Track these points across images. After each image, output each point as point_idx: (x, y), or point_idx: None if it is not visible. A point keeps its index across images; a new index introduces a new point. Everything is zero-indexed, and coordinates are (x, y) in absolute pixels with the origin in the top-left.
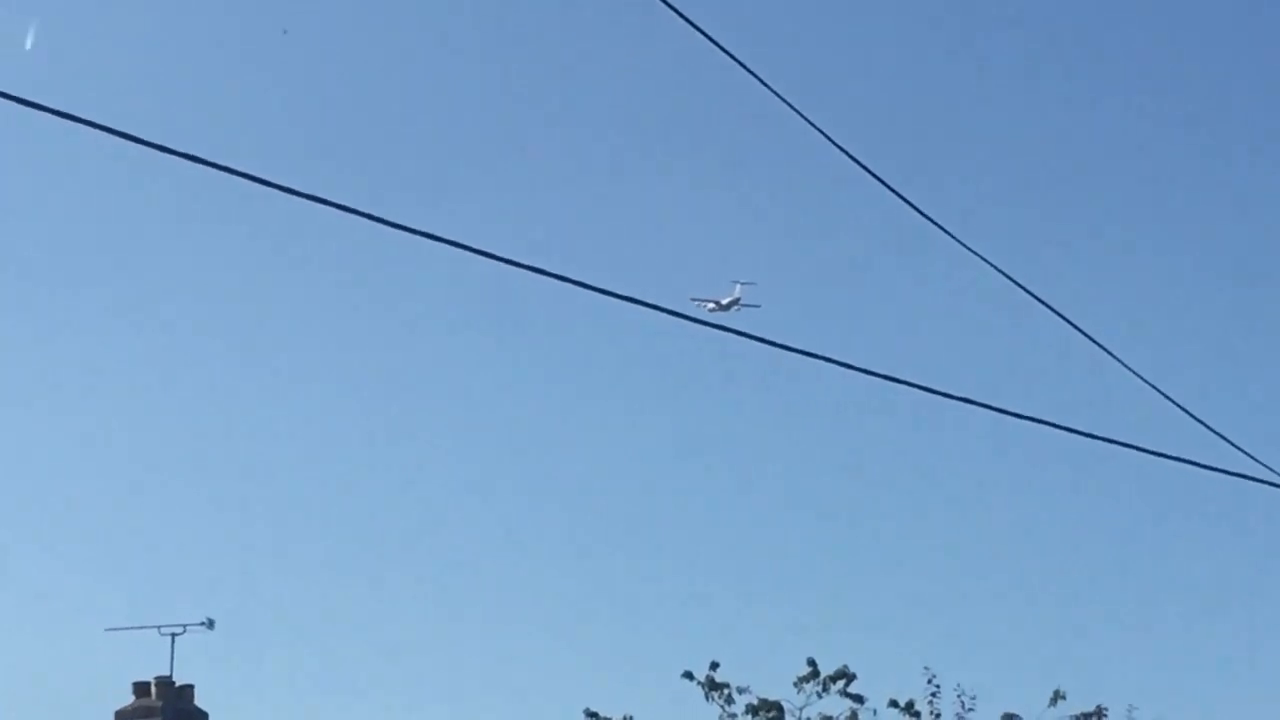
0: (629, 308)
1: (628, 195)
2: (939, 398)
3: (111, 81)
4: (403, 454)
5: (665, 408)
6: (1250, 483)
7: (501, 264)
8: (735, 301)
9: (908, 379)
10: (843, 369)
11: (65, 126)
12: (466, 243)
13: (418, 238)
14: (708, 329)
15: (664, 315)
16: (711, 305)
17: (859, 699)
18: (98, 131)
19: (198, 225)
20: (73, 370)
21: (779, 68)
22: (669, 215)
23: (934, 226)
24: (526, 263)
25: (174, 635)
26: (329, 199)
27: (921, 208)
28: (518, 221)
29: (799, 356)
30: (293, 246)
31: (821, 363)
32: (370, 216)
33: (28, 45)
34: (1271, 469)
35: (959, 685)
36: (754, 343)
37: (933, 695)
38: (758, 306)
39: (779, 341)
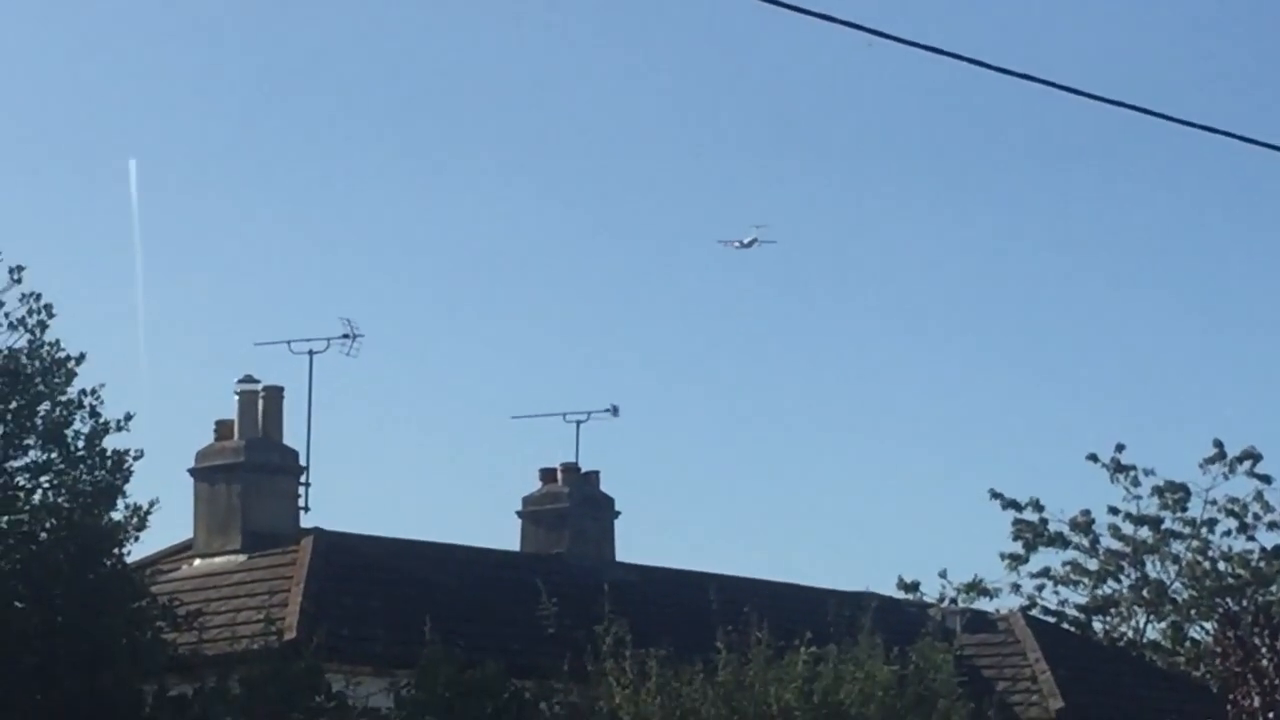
0: None
1: None
2: None
3: None
4: None
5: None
6: None
7: None
8: (754, 240)
9: None
10: None
11: None
12: None
13: None
14: None
15: None
16: (736, 244)
17: (1265, 479)
18: None
19: None
20: None
21: None
22: None
23: None
24: None
25: (579, 422)
26: None
27: None
28: None
29: None
30: None
31: None
32: None
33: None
34: None
35: None
36: None
37: None
38: (774, 242)
39: None
